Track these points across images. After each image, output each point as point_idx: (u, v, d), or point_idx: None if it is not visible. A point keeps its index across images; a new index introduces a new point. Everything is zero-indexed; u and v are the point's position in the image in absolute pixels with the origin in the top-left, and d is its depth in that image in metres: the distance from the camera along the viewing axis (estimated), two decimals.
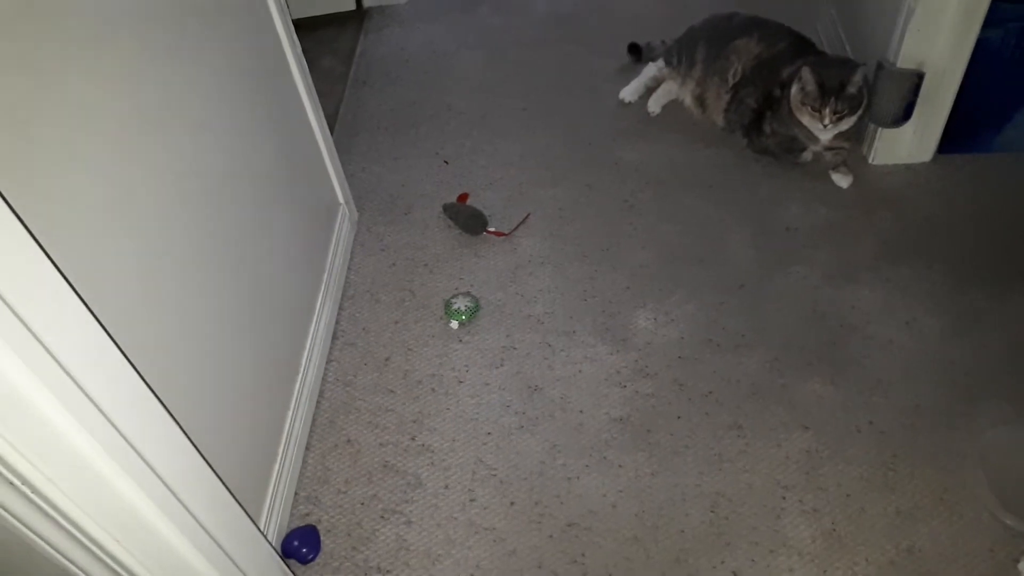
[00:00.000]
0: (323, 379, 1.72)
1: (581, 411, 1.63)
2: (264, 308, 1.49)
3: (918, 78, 1.81)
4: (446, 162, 2.21)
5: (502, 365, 1.72)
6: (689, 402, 1.63)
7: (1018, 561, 1.36)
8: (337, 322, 1.83)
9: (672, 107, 2.30)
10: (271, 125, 1.61)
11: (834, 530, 1.43)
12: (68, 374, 0.75)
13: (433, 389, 1.69)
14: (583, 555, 1.43)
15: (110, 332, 0.83)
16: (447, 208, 2.03)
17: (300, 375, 1.62)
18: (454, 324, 1.79)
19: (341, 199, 1.98)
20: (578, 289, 1.86)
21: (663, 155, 2.18)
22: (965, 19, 1.72)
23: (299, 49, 1.73)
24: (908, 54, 1.79)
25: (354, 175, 2.11)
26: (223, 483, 1.09)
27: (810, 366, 1.67)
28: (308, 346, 1.67)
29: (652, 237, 1.96)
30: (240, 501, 1.15)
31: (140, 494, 0.87)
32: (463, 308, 1.79)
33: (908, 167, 2.04)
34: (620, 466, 1.54)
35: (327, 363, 1.75)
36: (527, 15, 2.78)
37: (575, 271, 1.90)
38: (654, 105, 2.30)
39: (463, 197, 2.07)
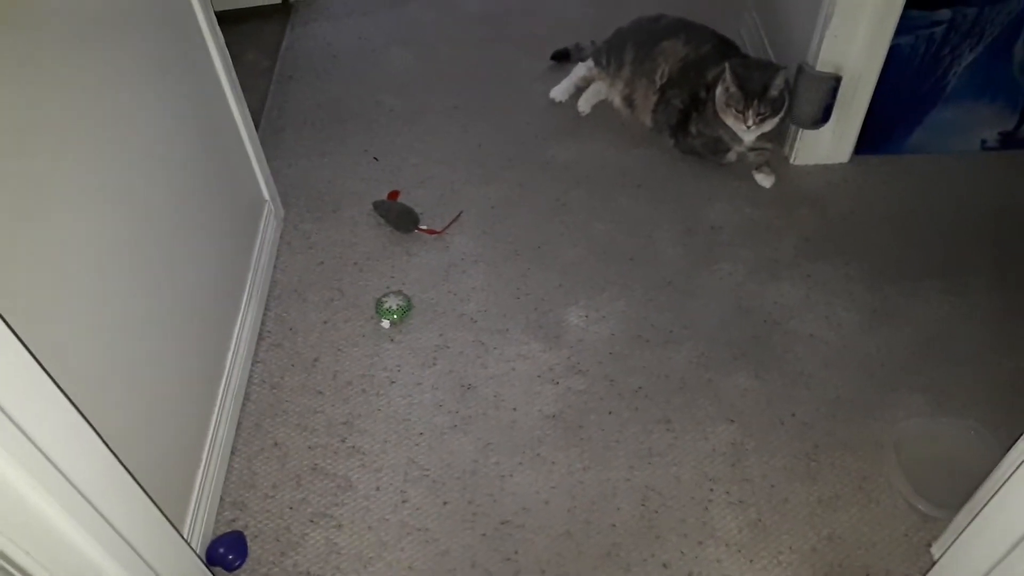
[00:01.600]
0: (249, 381, 1.67)
1: (514, 409, 1.63)
2: (184, 307, 1.44)
3: (836, 81, 1.88)
4: (375, 159, 2.18)
5: (435, 364, 1.71)
6: (620, 397, 1.65)
7: (930, 545, 1.42)
8: (263, 323, 1.78)
9: (602, 107, 2.32)
10: (192, 119, 1.55)
11: (759, 520, 1.47)
12: None
13: (364, 390, 1.66)
14: (516, 552, 1.42)
15: (14, 328, 0.78)
16: (377, 205, 2.00)
17: (224, 377, 1.56)
18: (385, 323, 1.76)
19: (267, 196, 1.93)
20: (511, 287, 1.86)
21: (594, 154, 2.20)
22: (879, 25, 1.80)
23: (222, 42, 1.68)
24: (826, 58, 1.86)
25: (280, 172, 2.05)
26: (143, 489, 1.04)
27: (736, 361, 1.71)
28: (232, 347, 1.62)
29: (583, 235, 1.98)
30: (162, 508, 1.10)
31: (51, 502, 0.83)
32: (394, 307, 1.76)
33: (827, 167, 2.11)
34: (553, 462, 1.55)
35: (253, 364, 1.70)
36: (458, 12, 2.77)
37: (508, 269, 1.90)
38: (584, 105, 2.32)
39: (394, 194, 2.04)
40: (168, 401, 1.35)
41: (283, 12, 2.76)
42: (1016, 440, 1.18)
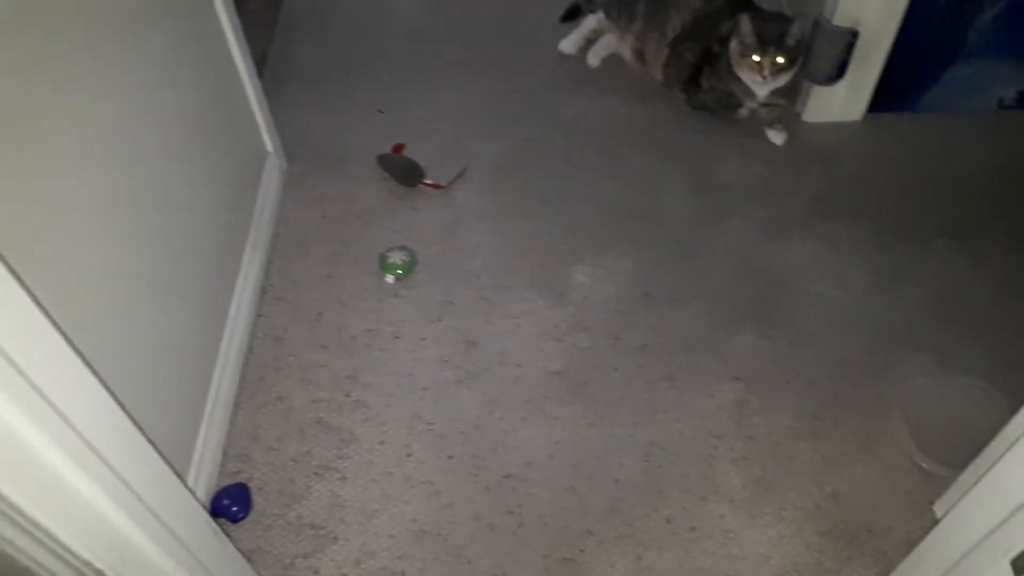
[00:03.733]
0: (252, 335, 1.66)
1: (519, 365, 1.62)
2: (186, 256, 1.42)
3: (853, 36, 1.83)
4: (380, 111, 2.14)
5: (439, 320, 1.70)
6: (625, 355, 1.64)
7: (933, 503, 1.42)
8: (266, 276, 1.76)
9: (612, 60, 2.27)
10: (193, 66, 1.52)
11: (763, 477, 1.47)
12: None
13: (368, 344, 1.65)
14: (519, 506, 1.43)
15: (22, 279, 0.76)
16: (382, 159, 1.97)
17: (227, 330, 1.56)
18: (390, 278, 1.75)
19: (269, 148, 1.90)
20: (516, 244, 1.84)
21: (603, 109, 2.16)
22: None
23: None
24: (844, 12, 1.81)
25: (283, 124, 2.01)
26: (147, 438, 1.03)
27: (743, 319, 1.69)
28: (235, 300, 1.61)
29: (591, 192, 1.95)
30: (166, 457, 1.10)
31: (55, 449, 0.82)
32: (399, 262, 1.75)
33: (840, 125, 2.07)
34: (557, 418, 1.54)
35: (256, 318, 1.69)
36: None
37: (513, 225, 1.88)
38: (594, 58, 2.27)
39: (398, 148, 2.01)
40: (170, 352, 1.34)
41: None
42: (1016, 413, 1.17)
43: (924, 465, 1.46)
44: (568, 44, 2.30)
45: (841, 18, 1.82)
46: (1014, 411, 1.46)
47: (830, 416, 1.54)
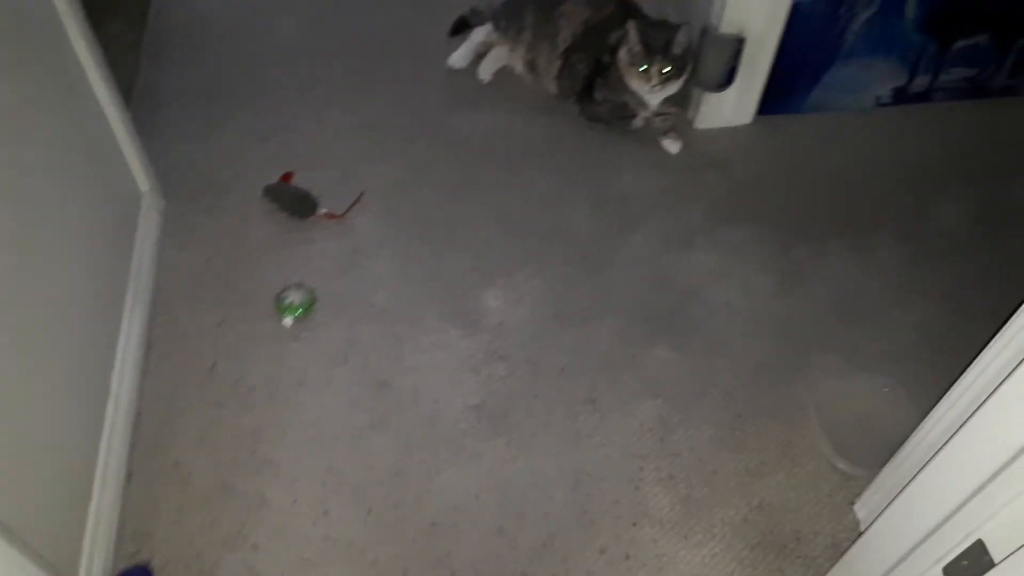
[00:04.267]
0: (140, 397, 1.52)
1: (435, 402, 1.55)
2: (58, 322, 1.28)
3: (740, 43, 1.86)
4: (265, 139, 2.01)
5: (346, 361, 1.60)
6: (544, 380, 1.60)
7: (853, 503, 1.45)
8: (150, 330, 1.62)
9: (504, 73, 2.23)
10: (48, 106, 1.36)
11: (690, 495, 1.46)
12: None
13: (270, 395, 1.54)
14: (449, 555, 1.36)
15: None
16: (269, 190, 1.85)
17: (111, 396, 1.41)
18: (288, 321, 1.64)
19: (144, 187, 1.75)
20: (422, 272, 1.76)
21: (499, 124, 2.11)
22: None
23: (80, 12, 1.48)
24: (730, 20, 1.82)
25: (158, 159, 1.86)
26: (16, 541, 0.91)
27: (656, 333, 1.69)
28: (118, 361, 1.46)
29: (494, 212, 1.90)
30: (47, 555, 0.97)
31: None
32: (297, 302, 1.64)
33: (731, 129, 2.10)
34: (479, 455, 1.49)
35: (143, 378, 1.54)
36: None
37: (417, 252, 1.80)
38: (485, 72, 2.21)
39: (287, 177, 1.89)
40: (44, 430, 1.20)
41: None
42: (937, 402, 1.20)
43: (841, 466, 1.49)
44: (458, 58, 2.24)
45: (727, 25, 1.84)
46: (917, 407, 1.52)
47: (748, 425, 1.56)
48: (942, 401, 1.16)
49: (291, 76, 2.20)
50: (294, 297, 1.64)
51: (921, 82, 2.11)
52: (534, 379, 1.60)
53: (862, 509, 1.42)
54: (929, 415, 1.20)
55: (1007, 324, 1.00)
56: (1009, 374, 0.89)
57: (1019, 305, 0.98)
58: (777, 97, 2.06)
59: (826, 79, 2.05)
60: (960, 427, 0.97)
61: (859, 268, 1.81)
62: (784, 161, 2.05)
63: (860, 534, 1.38)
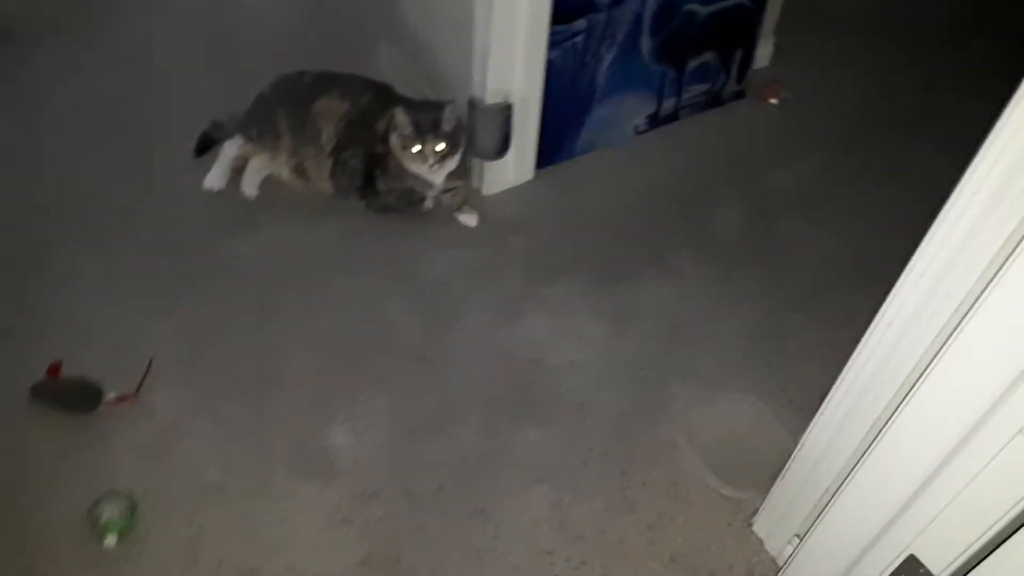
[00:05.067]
0: None
1: (317, 575, 1.37)
2: None
3: (509, 109, 1.87)
4: (6, 336, 1.68)
5: (195, 563, 1.37)
6: (423, 508, 1.47)
7: (751, 524, 1.49)
8: None
9: (271, 183, 2.06)
10: None
11: (607, 574, 1.41)
12: None
13: None
14: None
15: None
16: (38, 391, 1.54)
17: None
18: (110, 540, 1.36)
19: None
20: (249, 430, 1.56)
21: (282, 240, 1.95)
22: (533, 48, 1.82)
23: None
24: (495, 88, 1.83)
25: None
26: None
27: (518, 416, 1.63)
28: None
29: (309, 336, 1.73)
30: None
31: None
32: (115, 516, 1.37)
33: (518, 189, 2.11)
34: None
35: None
36: (50, 111, 2.26)
37: (237, 410, 1.59)
38: (248, 186, 2.03)
39: (54, 370, 1.58)
40: None
41: None
42: (792, 405, 1.25)
43: (728, 493, 1.52)
44: (213, 179, 2.03)
45: (493, 95, 1.84)
46: (774, 412, 1.60)
47: (634, 480, 1.55)
48: (817, 418, 1.21)
49: (14, 244, 1.87)
50: (110, 511, 1.37)
51: (669, 105, 2.27)
52: (413, 510, 1.47)
53: (762, 529, 1.46)
54: (807, 431, 1.25)
55: (873, 326, 1.04)
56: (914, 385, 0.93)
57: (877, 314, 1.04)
58: (550, 149, 2.11)
59: (588, 122, 2.14)
60: (868, 449, 1.01)
61: (675, 292, 1.89)
62: (574, 207, 2.10)
63: (773, 558, 1.42)
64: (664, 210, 2.11)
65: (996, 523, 0.83)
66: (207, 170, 2.04)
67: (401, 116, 1.83)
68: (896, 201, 2.12)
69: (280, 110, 1.99)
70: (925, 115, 2.45)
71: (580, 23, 1.91)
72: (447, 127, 1.84)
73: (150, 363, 1.64)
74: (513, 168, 2.06)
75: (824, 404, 1.19)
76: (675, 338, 1.79)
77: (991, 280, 0.80)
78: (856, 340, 1.07)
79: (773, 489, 1.40)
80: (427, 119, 1.83)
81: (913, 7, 3.01)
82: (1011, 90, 0.78)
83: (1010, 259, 0.78)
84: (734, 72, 2.34)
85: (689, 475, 1.56)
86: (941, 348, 0.88)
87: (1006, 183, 0.79)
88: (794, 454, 1.30)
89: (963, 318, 0.84)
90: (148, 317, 1.74)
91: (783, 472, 1.35)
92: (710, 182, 2.19)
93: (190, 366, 1.66)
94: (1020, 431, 0.78)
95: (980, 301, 0.82)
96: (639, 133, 2.28)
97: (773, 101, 2.42)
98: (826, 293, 1.89)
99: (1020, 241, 0.78)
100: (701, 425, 1.62)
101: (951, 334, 0.87)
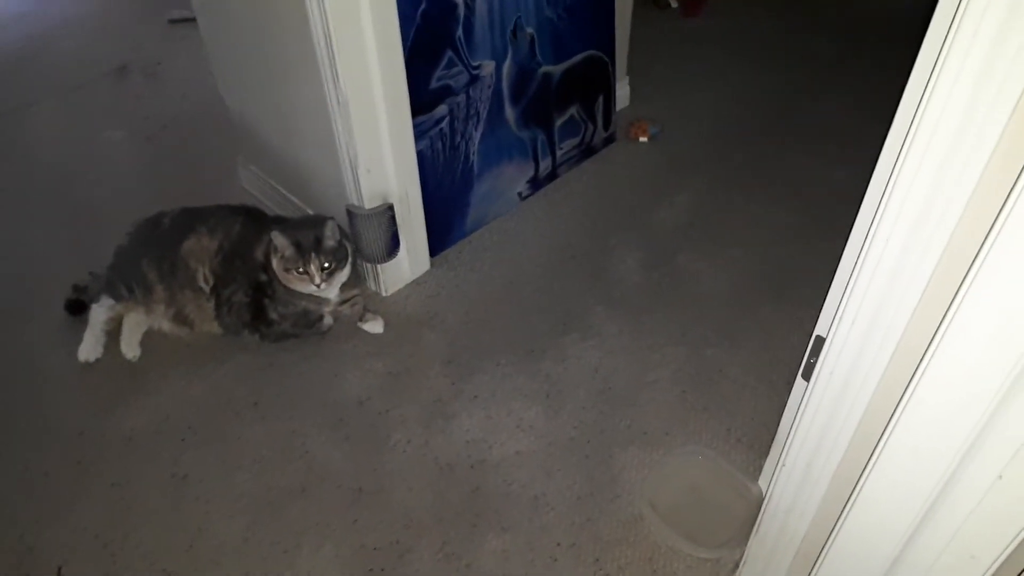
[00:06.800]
0: None
1: None
2: None
3: (390, 210, 1.80)
4: None
5: None
6: None
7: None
8: None
9: (153, 338, 1.90)
10: None
11: None
12: None
13: None
14: None
15: None
16: None
17: None
18: None
19: None
20: None
21: (179, 398, 1.79)
22: (400, 144, 1.76)
23: None
24: (370, 192, 1.76)
25: None
26: None
27: (475, 528, 1.53)
28: None
29: (228, 497, 1.58)
30: None
31: None
32: None
33: (417, 283, 2.04)
34: None
35: None
36: None
37: None
38: (128, 348, 1.87)
39: None
40: None
41: None
42: (774, 473, 1.22)
43: (703, 555, 1.48)
44: (87, 350, 1.86)
45: (371, 199, 1.77)
46: (729, 460, 1.57)
47: (608, 565, 1.47)
48: (778, 471, 1.18)
49: None
50: None
51: (546, 165, 2.26)
52: None
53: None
54: (771, 483, 1.22)
55: (815, 376, 1.02)
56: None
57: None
58: (441, 235, 2.05)
59: (473, 200, 2.10)
60: (848, 505, 0.98)
61: (599, 353, 1.85)
62: (477, 287, 2.05)
63: None
64: (566, 270, 2.08)
65: (994, 563, 0.81)
66: (78, 340, 1.86)
67: (279, 238, 1.72)
68: (779, 208, 2.18)
69: (145, 260, 1.84)
70: (785, 118, 2.55)
71: (441, 109, 1.87)
72: (330, 242, 1.75)
73: (59, 569, 1.45)
74: (408, 263, 1.98)
75: (782, 454, 1.16)
76: (611, 402, 1.75)
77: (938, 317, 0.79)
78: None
79: (750, 544, 1.36)
80: (307, 237, 1.73)
81: (745, 23, 3.17)
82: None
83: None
84: (600, 120, 2.36)
85: (661, 545, 1.50)
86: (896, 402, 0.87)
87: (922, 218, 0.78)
88: (763, 507, 1.26)
89: (918, 363, 0.82)
90: (42, 526, 1.55)
91: (756, 527, 1.31)
92: (603, 232, 2.18)
93: (108, 564, 1.48)
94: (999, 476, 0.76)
95: (929, 352, 0.80)
96: (524, 199, 2.26)
97: (643, 139, 2.46)
98: (741, 318, 1.90)
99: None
100: (660, 489, 1.57)
101: (897, 379, 0.85)
